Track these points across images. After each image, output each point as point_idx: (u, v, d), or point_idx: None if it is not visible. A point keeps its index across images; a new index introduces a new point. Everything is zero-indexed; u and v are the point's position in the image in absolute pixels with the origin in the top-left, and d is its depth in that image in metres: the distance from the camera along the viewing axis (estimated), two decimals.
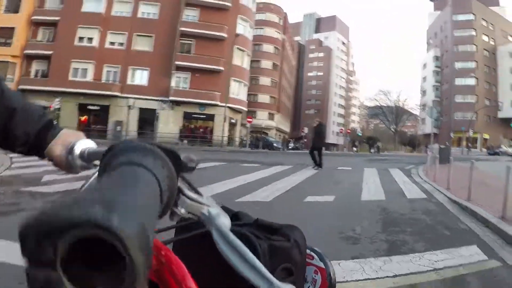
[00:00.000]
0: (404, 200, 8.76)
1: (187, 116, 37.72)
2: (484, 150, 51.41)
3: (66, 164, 0.70)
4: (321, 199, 8.23)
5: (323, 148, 14.49)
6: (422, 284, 3.79)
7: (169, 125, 36.26)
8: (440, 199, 9.00)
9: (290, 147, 47.88)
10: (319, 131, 14.43)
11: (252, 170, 12.87)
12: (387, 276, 3.92)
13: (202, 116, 37.93)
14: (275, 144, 42.33)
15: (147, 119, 35.90)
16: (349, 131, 74.15)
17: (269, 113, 58.26)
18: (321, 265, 0.68)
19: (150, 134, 34.51)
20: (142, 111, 35.80)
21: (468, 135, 51.36)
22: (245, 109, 43.19)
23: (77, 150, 0.68)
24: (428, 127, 55.14)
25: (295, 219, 6.27)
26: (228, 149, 31.56)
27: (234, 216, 0.68)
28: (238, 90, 40.12)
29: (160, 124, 35.85)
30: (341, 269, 4.01)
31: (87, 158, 0.67)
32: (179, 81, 37.52)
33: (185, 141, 34.60)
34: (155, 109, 35.94)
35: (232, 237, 0.49)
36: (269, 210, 6.76)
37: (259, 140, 42.69)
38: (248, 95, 45.43)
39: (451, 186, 10.09)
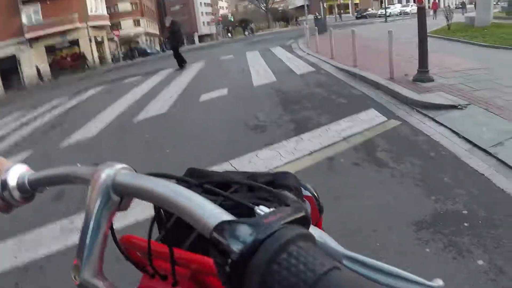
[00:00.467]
0: (295, 77, 8.74)
1: (50, 50, 33.72)
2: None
3: (1, 204, 0.58)
4: (215, 94, 7.92)
5: (180, 48, 13.60)
6: (337, 155, 3.84)
7: (33, 67, 31.69)
8: (328, 70, 9.14)
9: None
10: (174, 31, 13.35)
11: (135, 84, 12.13)
12: (304, 155, 3.90)
13: (66, 45, 34.49)
14: (148, 50, 41.59)
15: (9, 69, 30.31)
16: (220, 18, 72.66)
17: (134, 20, 53.98)
18: (308, 193, 0.69)
19: (17, 83, 29.55)
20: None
21: (340, 1, 53.38)
22: (108, 23, 40.66)
23: (12, 181, 0.56)
24: (299, 0, 55.82)
25: (199, 122, 5.92)
26: (103, 69, 28.71)
27: (221, 184, 0.59)
28: (95, 6, 37.03)
29: (25, 69, 31.52)
30: (260, 159, 3.92)
31: (30, 186, 0.57)
32: (29, 15, 32.56)
33: (47, 79, 30.28)
34: (14, 55, 31.25)
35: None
36: (171, 123, 6.23)
37: (132, 50, 41.35)
38: (107, 8, 42.42)
39: (335, 55, 10.21)
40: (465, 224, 2.50)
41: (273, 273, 0.27)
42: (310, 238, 0.31)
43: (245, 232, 0.30)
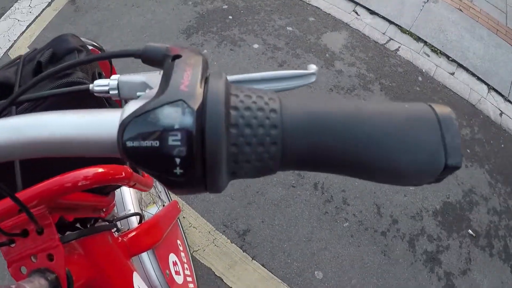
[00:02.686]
0: None
1: None
2: None
3: None
4: None
5: None
6: None
7: None
8: None
9: None
10: None
11: None
12: (44, 9, 2.91)
13: None
14: None
15: None
16: None
17: None
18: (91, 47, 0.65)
19: None
20: None
21: None
22: None
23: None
24: None
25: None
26: None
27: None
28: None
29: None
30: None
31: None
32: None
33: None
34: None
35: None
36: None
37: None
38: None
39: None
40: (230, 17, 2.45)
41: (237, 141, 0.26)
42: (223, 77, 0.28)
43: (168, 115, 0.25)
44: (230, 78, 0.41)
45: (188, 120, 0.24)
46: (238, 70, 2.14)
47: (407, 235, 1.86)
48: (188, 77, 0.27)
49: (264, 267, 1.66)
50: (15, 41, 2.64)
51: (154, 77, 0.36)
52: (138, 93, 0.37)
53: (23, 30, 2.82)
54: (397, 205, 1.93)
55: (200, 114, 0.24)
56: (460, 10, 3.09)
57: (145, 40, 2.38)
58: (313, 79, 0.39)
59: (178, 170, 0.25)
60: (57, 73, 0.37)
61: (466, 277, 1.82)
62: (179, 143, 0.24)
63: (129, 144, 0.25)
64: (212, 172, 0.25)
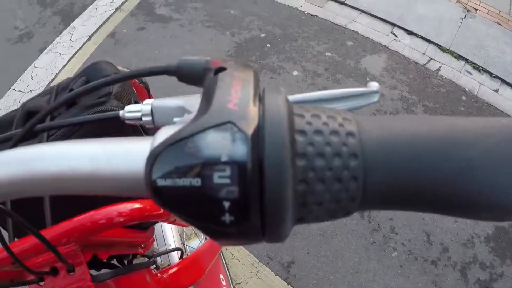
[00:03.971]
0: None
1: None
2: None
3: None
4: None
5: None
6: (118, 28, 3.23)
7: None
8: None
9: None
10: None
11: None
12: (84, 43, 3.17)
13: None
14: None
15: None
16: None
17: None
18: None
19: None
20: None
21: None
22: None
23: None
24: None
25: None
26: None
27: None
28: None
29: None
30: (41, 68, 3.03)
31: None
32: None
33: None
34: None
35: None
36: None
37: None
38: None
39: None
40: (268, 45, 2.50)
41: (306, 176, 0.19)
42: (282, 93, 0.22)
43: (213, 143, 0.19)
44: (294, 98, 0.36)
45: (240, 150, 0.18)
46: None
47: (459, 264, 1.81)
48: (237, 93, 0.21)
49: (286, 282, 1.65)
50: (57, 74, 2.79)
51: (194, 100, 0.31)
52: (175, 119, 0.31)
53: (65, 63, 2.98)
54: (447, 232, 1.89)
55: (256, 141, 0.19)
56: (499, 23, 3.01)
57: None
58: (376, 98, 0.34)
59: (227, 218, 0.19)
60: (80, 95, 0.33)
61: None
62: (228, 181, 0.18)
63: (160, 182, 0.19)
64: (274, 220, 0.19)
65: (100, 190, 0.23)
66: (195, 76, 0.27)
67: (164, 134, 0.21)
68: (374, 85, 0.35)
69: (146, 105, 0.33)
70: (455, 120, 0.21)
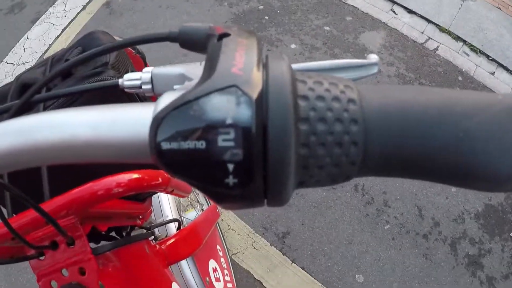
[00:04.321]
0: None
1: None
2: None
3: None
4: None
5: None
6: None
7: None
8: None
9: None
10: None
11: None
12: (79, 12, 3.04)
13: None
14: None
15: None
16: None
17: None
18: None
19: None
20: None
21: None
22: None
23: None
24: None
25: None
26: None
27: None
28: None
29: None
30: (33, 40, 2.94)
31: None
32: None
33: None
34: None
35: None
36: None
37: None
38: None
39: None
40: (266, 18, 2.46)
41: (308, 140, 0.20)
42: (285, 59, 0.22)
43: (218, 106, 0.19)
44: (296, 67, 0.35)
45: (245, 113, 0.18)
46: None
47: (449, 238, 1.84)
48: (241, 58, 0.21)
49: (304, 270, 1.66)
50: (50, 45, 2.72)
51: (194, 68, 0.31)
52: (175, 87, 0.31)
53: (58, 34, 2.90)
54: (439, 207, 1.91)
55: (260, 104, 0.19)
56: (499, 8, 3.00)
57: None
58: (375, 69, 0.34)
59: (231, 180, 0.19)
60: (76, 65, 0.32)
61: (508, 281, 1.79)
62: (232, 143, 0.18)
63: (165, 146, 0.19)
64: (276, 182, 0.20)
65: (103, 157, 0.23)
66: (197, 43, 0.26)
67: (167, 99, 0.21)
68: (373, 57, 0.35)
69: (145, 73, 0.33)
70: (453, 92, 0.22)
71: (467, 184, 0.22)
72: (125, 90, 0.34)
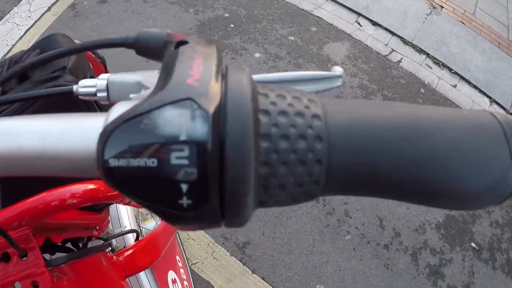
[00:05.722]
0: None
1: None
2: None
3: None
4: None
5: None
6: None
7: None
8: None
9: None
10: None
11: None
12: (43, 13, 2.99)
13: None
14: None
15: None
16: None
17: None
18: None
19: None
20: None
21: None
22: None
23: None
24: None
25: None
26: None
27: None
28: None
29: None
30: None
31: None
32: None
33: None
34: None
35: None
36: None
37: None
38: None
39: None
40: (231, 26, 2.44)
41: (268, 158, 0.18)
42: (246, 71, 0.20)
43: (171, 120, 0.17)
44: (257, 78, 0.34)
45: (200, 128, 0.17)
46: None
47: (410, 248, 1.83)
48: (198, 68, 0.19)
49: (265, 280, 1.62)
50: (13, 45, 2.63)
51: (152, 76, 0.30)
52: (131, 95, 0.30)
53: (22, 34, 2.80)
54: (400, 217, 1.90)
55: (218, 119, 0.17)
56: (463, 23, 3.10)
57: None
58: (339, 82, 0.34)
59: (184, 201, 0.18)
60: (32, 67, 0.31)
61: None
62: (186, 161, 0.17)
63: (113, 163, 0.17)
64: (234, 203, 0.18)
65: (51, 171, 0.21)
66: (154, 50, 0.25)
67: (118, 110, 0.19)
68: (337, 70, 0.34)
69: (101, 80, 0.31)
70: (420, 108, 0.21)
71: (436, 202, 0.21)
72: (80, 97, 0.32)
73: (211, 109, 0.17)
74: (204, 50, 0.21)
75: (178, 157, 0.17)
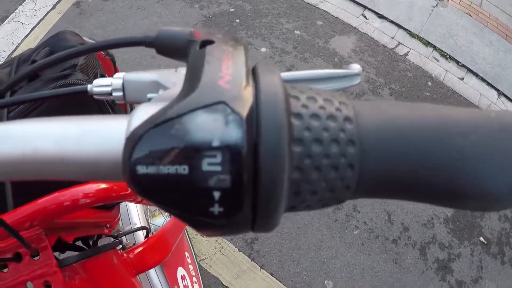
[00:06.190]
0: None
1: None
2: None
3: None
4: None
5: None
6: None
7: None
8: None
9: None
10: None
11: None
12: (48, 12, 2.96)
13: None
14: None
15: None
16: None
17: None
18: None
19: None
20: None
21: None
22: None
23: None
24: None
25: None
26: None
27: None
28: None
29: None
30: (0, 38, 2.74)
31: None
32: None
33: None
34: None
35: None
36: None
37: None
38: None
39: None
40: (237, 21, 2.43)
41: (301, 163, 0.17)
42: (276, 71, 0.19)
43: (203, 125, 0.16)
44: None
45: (234, 134, 0.16)
46: None
47: (418, 243, 1.82)
48: (228, 69, 0.18)
49: (273, 276, 1.62)
50: (18, 44, 2.62)
51: (170, 75, 0.28)
52: (149, 95, 0.29)
53: (27, 33, 2.80)
54: (408, 212, 1.90)
55: (251, 124, 0.16)
56: (469, 15, 3.06)
57: None
58: (357, 80, 0.33)
59: (216, 209, 0.17)
60: (41, 69, 0.30)
61: (478, 286, 1.79)
62: (219, 168, 0.16)
63: (141, 170, 0.17)
64: (266, 210, 0.18)
65: (69, 175, 0.20)
66: (177, 49, 0.24)
67: (144, 113, 0.18)
68: (356, 68, 0.33)
69: (117, 79, 0.30)
70: (446, 109, 0.21)
71: (462, 204, 0.21)
72: (94, 97, 0.31)
73: (245, 113, 0.16)
74: (232, 49, 0.20)
75: (210, 163, 0.16)
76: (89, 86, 0.32)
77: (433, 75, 2.50)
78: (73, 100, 0.42)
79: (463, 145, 0.19)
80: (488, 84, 2.62)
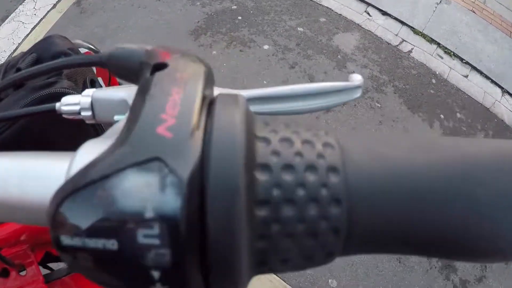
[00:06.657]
0: None
1: None
2: None
3: None
4: None
5: None
6: None
7: None
8: None
9: None
10: None
11: None
12: (49, 11, 2.96)
13: None
14: None
15: None
16: None
17: None
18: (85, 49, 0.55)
19: None
20: None
21: None
22: None
23: None
24: None
25: None
26: None
27: None
28: None
29: None
30: (1, 38, 2.76)
31: None
32: None
33: None
34: None
35: None
36: None
37: None
38: None
39: None
40: (239, 18, 2.41)
41: (267, 230, 0.14)
42: (240, 102, 0.15)
43: (132, 190, 0.13)
44: (247, 93, 0.28)
45: (171, 201, 0.13)
46: (248, 73, 2.10)
47: None
48: (175, 108, 0.14)
49: (277, 275, 1.61)
50: (19, 44, 2.61)
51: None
52: (116, 117, 0.26)
53: (28, 32, 2.79)
54: None
55: (196, 186, 0.13)
56: (473, 12, 3.04)
57: (152, 42, 2.35)
58: (358, 93, 0.30)
59: None
60: (23, 80, 0.28)
61: (482, 285, 1.77)
62: (157, 241, 0.13)
63: (65, 241, 0.14)
64: (221, 286, 0.14)
65: (12, 219, 0.18)
66: (130, 71, 0.20)
67: (87, 155, 0.15)
68: (357, 79, 0.30)
69: (85, 97, 0.28)
70: (462, 145, 0.16)
71: (471, 259, 0.17)
72: (63, 116, 0.29)
73: (186, 172, 0.13)
74: (187, 76, 0.16)
75: (147, 235, 0.13)
76: (57, 105, 0.29)
77: (437, 73, 2.48)
78: (45, 119, 0.40)
79: (478, 195, 0.15)
80: (492, 81, 2.60)
